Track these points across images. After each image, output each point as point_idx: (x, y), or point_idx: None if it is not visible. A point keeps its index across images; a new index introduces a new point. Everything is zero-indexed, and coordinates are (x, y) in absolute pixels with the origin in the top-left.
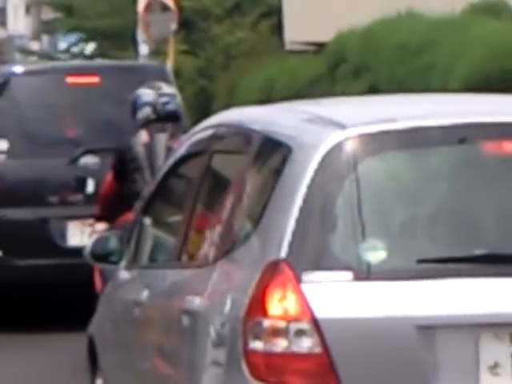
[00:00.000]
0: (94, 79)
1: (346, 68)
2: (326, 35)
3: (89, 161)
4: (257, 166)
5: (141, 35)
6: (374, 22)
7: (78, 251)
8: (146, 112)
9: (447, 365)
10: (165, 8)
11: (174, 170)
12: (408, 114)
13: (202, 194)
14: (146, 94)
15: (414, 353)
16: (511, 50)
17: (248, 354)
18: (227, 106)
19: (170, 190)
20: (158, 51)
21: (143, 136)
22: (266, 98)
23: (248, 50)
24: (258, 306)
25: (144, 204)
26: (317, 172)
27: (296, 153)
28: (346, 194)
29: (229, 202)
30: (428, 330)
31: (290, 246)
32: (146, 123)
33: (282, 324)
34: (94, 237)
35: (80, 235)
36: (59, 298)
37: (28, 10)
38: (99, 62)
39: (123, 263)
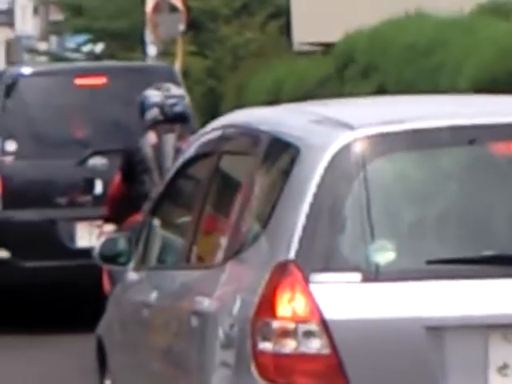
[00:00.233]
0: (102, 80)
1: (355, 68)
2: (334, 36)
3: (97, 162)
4: (265, 166)
5: (149, 36)
6: (382, 22)
7: (86, 252)
8: (153, 113)
9: (456, 366)
10: (173, 9)
11: (182, 171)
12: (416, 115)
13: (211, 195)
14: (154, 95)
15: (422, 354)
16: None
17: (257, 354)
18: (235, 106)
19: (179, 191)
20: (166, 52)
21: (151, 137)
22: (274, 99)
23: (256, 51)
24: (266, 307)
25: (152, 205)
26: (325, 173)
27: (304, 154)
28: (355, 195)
29: (237, 202)
30: (437, 330)
31: (299, 246)
32: (154, 124)
33: (290, 325)
34: (103, 238)
35: (88, 236)
36: (68, 300)
37: (36, 10)
38: (107, 63)
39: (132, 264)
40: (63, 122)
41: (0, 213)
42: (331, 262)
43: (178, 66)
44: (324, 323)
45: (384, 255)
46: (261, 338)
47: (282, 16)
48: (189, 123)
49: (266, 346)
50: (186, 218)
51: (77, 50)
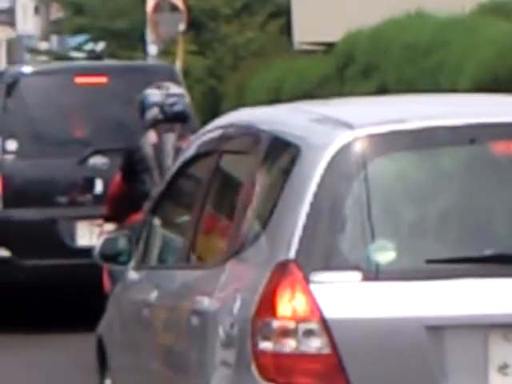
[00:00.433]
0: (103, 79)
1: (355, 68)
2: (334, 35)
3: (98, 161)
4: (266, 166)
5: (150, 35)
6: (383, 22)
7: (86, 251)
8: (153, 112)
9: (456, 365)
10: (174, 8)
11: (182, 171)
12: (417, 115)
13: (211, 195)
14: (154, 94)
15: (422, 353)
16: None
17: (257, 354)
18: (236, 106)
19: (179, 190)
20: (166, 51)
21: (151, 136)
22: (274, 98)
23: (257, 50)
24: (267, 306)
25: (153, 204)
26: (325, 172)
27: (305, 153)
28: (355, 194)
29: (238, 202)
30: (437, 330)
31: (299, 246)
32: (154, 123)
33: (291, 324)
34: (103, 237)
35: (89, 235)
36: (68, 299)
37: (37, 10)
38: (108, 62)
39: (132, 264)
40: (64, 121)
41: (1, 212)
42: (331, 262)
43: (178, 65)
44: (324, 322)
45: (384, 254)
46: (261, 338)
47: (283, 15)
48: (189, 122)
49: (266, 345)
50: (186, 218)
51: (78, 48)
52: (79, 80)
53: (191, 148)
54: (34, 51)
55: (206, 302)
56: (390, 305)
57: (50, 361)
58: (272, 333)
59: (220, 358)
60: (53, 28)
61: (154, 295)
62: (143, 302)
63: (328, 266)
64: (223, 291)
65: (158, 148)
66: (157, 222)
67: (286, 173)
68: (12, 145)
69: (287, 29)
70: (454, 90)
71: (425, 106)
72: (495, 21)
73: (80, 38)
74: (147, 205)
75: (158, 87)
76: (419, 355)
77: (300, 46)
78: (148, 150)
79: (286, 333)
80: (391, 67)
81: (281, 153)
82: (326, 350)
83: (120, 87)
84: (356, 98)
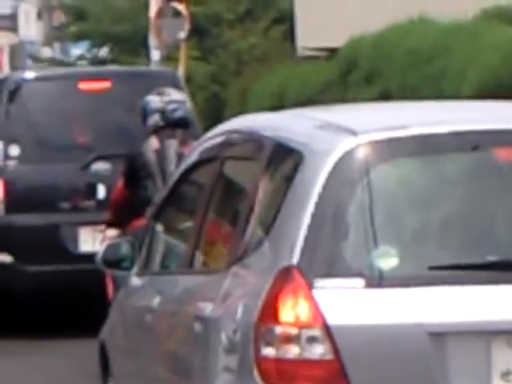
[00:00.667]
0: (106, 85)
1: (358, 74)
2: (337, 41)
3: (100, 167)
4: (269, 172)
5: (152, 41)
6: (386, 27)
7: (89, 257)
8: (154, 119)
9: (459, 372)
10: (177, 14)
11: (185, 177)
12: (420, 121)
13: (214, 201)
14: (154, 100)
15: (425, 360)
16: None
17: (260, 360)
18: (239, 111)
19: (182, 196)
20: (169, 57)
21: (154, 142)
22: (277, 104)
23: (260, 56)
24: (269, 312)
25: (156, 210)
26: (328, 178)
27: (308, 159)
28: (358, 200)
29: (241, 208)
30: (439, 336)
31: (302, 252)
32: (156, 130)
33: (293, 330)
34: (106, 243)
35: (91, 241)
36: (71, 304)
37: (39, 15)
38: (111, 67)
39: (135, 269)
40: (66, 127)
41: (3, 217)
42: (334, 268)
43: (181, 70)
44: (327, 329)
45: (387, 261)
46: (264, 344)
47: (286, 21)
48: (191, 128)
49: (269, 351)
50: (189, 224)
51: (81, 57)
52: (82, 85)
53: (194, 154)
54: (37, 59)
55: (208, 308)
56: (393, 311)
57: (53, 366)
58: (275, 339)
59: (223, 364)
60: (55, 34)
61: (156, 301)
62: (146, 307)
63: (331, 273)
64: (226, 297)
65: (161, 154)
66: (159, 227)
67: (289, 179)
68: (15, 150)
69: (290, 34)
70: (457, 95)
71: (428, 112)
72: (498, 26)
73: (82, 44)
74: (150, 211)
75: (159, 93)
76: (422, 362)
77: (303, 52)
78: (150, 156)
79: (288, 339)
80: (394, 73)
81: (284, 159)
82: (329, 357)
83: (123, 93)
84: (359, 104)
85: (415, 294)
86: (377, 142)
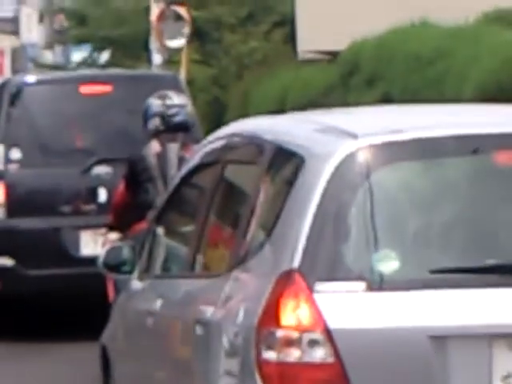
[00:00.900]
0: (107, 88)
1: (360, 77)
2: (339, 44)
3: (101, 170)
4: (270, 176)
5: (154, 44)
6: (388, 31)
7: (90, 261)
8: (154, 123)
9: (460, 375)
10: (178, 17)
11: (186, 180)
12: (420, 125)
13: (215, 204)
14: (156, 104)
15: (426, 363)
16: None
17: (261, 364)
18: (240, 115)
19: (183, 199)
20: (170, 60)
21: (155, 146)
22: (279, 108)
23: (261, 60)
24: (271, 315)
25: (157, 214)
26: (329, 182)
27: (308, 163)
28: (359, 204)
29: (241, 211)
30: (441, 340)
31: (303, 255)
32: (157, 133)
33: (295, 334)
34: (107, 247)
35: (93, 245)
36: (72, 308)
37: (41, 19)
38: (112, 71)
39: (136, 273)
40: (68, 131)
41: (4, 221)
42: (335, 271)
43: (182, 74)
44: (328, 332)
45: (388, 264)
46: (265, 347)
47: (287, 24)
48: (191, 132)
49: (270, 354)
50: (190, 227)
51: (82, 63)
52: (83, 89)
53: (195, 158)
54: (38, 64)
55: (209, 312)
56: (394, 315)
57: (54, 370)
58: (276, 342)
59: (224, 368)
60: (57, 37)
61: (157, 304)
62: (147, 311)
63: (332, 276)
64: (227, 301)
65: (162, 157)
66: (160, 231)
67: (290, 183)
68: (16, 154)
69: (291, 38)
70: (458, 99)
71: (429, 116)
72: (499, 30)
73: (84, 48)
74: (151, 214)
75: (161, 97)
76: (423, 365)
77: (304, 55)
78: (151, 160)
79: (289, 342)
80: (396, 76)
81: (285, 163)
82: (330, 360)
83: (124, 96)
84: (360, 108)
85: (416, 297)
86: (378, 146)
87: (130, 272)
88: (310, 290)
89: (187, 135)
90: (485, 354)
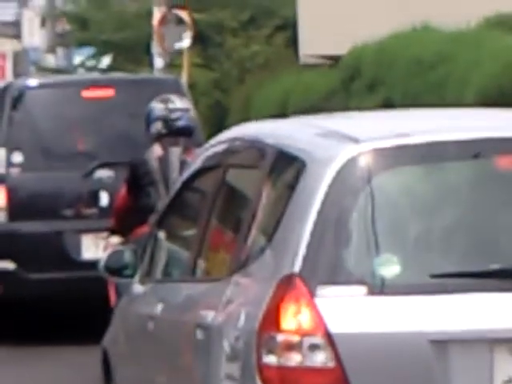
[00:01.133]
0: (109, 92)
1: (361, 82)
2: (340, 49)
3: (103, 174)
4: (271, 180)
5: (156, 48)
6: (389, 36)
7: (92, 264)
8: (157, 127)
9: (461, 380)
10: (180, 21)
11: (188, 184)
12: (422, 129)
13: (217, 208)
14: (158, 108)
15: (427, 368)
16: None
17: (262, 368)
18: (242, 119)
19: (185, 203)
20: (172, 64)
21: (157, 149)
22: (280, 112)
23: (263, 64)
24: (271, 320)
25: (158, 218)
26: (331, 186)
27: (310, 167)
28: (360, 208)
29: (243, 216)
30: (442, 344)
31: (304, 260)
32: (159, 137)
33: (295, 338)
34: (109, 250)
35: (94, 248)
36: (73, 312)
37: (43, 23)
38: (114, 75)
39: (137, 277)
40: (70, 134)
41: (6, 224)
42: (336, 276)
43: (184, 78)
44: (329, 336)
45: (389, 269)
46: (266, 352)
47: (289, 29)
48: (193, 136)
49: (270, 359)
50: (191, 231)
51: (82, 65)
52: (85, 93)
53: (197, 162)
54: (40, 68)
55: (210, 316)
56: (395, 319)
57: (55, 374)
58: (277, 347)
59: (225, 372)
60: (59, 41)
61: (159, 308)
62: (148, 315)
63: (333, 280)
64: (228, 305)
65: (164, 161)
66: (162, 235)
67: (292, 187)
68: (18, 158)
69: (293, 42)
70: (459, 103)
71: (430, 121)
72: (501, 35)
73: (86, 51)
74: (153, 218)
75: (163, 100)
76: (424, 370)
77: (306, 60)
78: (153, 164)
79: (290, 347)
80: (397, 81)
81: (286, 167)
82: (331, 364)
83: (126, 100)
84: (361, 112)
85: (417, 301)
86: (379, 150)
87: (132, 276)
88: (311, 294)
89: (189, 139)
90: (486, 358)
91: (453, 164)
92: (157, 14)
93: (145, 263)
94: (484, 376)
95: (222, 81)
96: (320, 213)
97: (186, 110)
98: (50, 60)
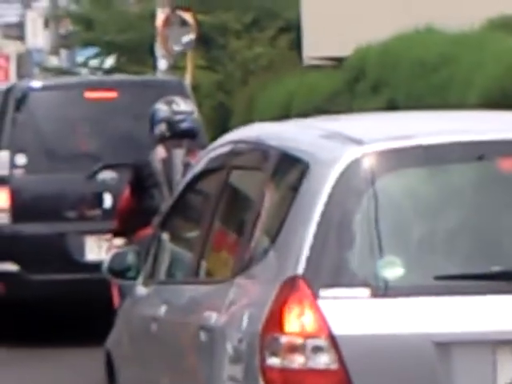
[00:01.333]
0: (113, 94)
1: (365, 83)
2: (344, 50)
3: (107, 176)
4: (274, 182)
5: (159, 50)
6: (393, 37)
7: (95, 266)
8: (161, 128)
9: (464, 381)
10: (183, 23)
11: (191, 186)
12: (426, 131)
13: (220, 210)
14: (162, 109)
15: (431, 369)
16: None
17: (265, 370)
18: (245, 120)
19: (188, 205)
20: (176, 66)
21: (160, 151)
22: (284, 113)
23: (266, 65)
24: (275, 322)
25: (162, 219)
26: (334, 188)
27: (313, 169)
28: (364, 210)
29: (246, 218)
30: (445, 346)
31: (308, 262)
32: (162, 139)
33: (299, 340)
34: (112, 252)
35: (97, 250)
36: (76, 313)
37: (47, 24)
38: (117, 76)
39: (141, 279)
40: (73, 136)
41: (9, 226)
42: (340, 278)
43: (188, 80)
44: (332, 338)
45: (393, 271)
46: (269, 354)
47: (293, 30)
48: (197, 138)
49: (274, 361)
50: (195, 233)
51: (85, 64)
52: (88, 95)
53: (200, 163)
54: (44, 68)
55: (214, 318)
56: (399, 321)
57: (58, 376)
58: (280, 349)
59: (228, 374)
60: (62, 42)
61: (162, 310)
62: (151, 317)
63: (336, 282)
64: (231, 307)
65: (167, 163)
66: (165, 237)
67: (295, 189)
68: (21, 159)
69: (297, 44)
70: (462, 105)
71: (434, 122)
72: (504, 37)
73: (90, 52)
74: (156, 220)
75: (167, 102)
76: (427, 371)
77: (310, 61)
78: (157, 165)
79: (293, 349)
80: (401, 83)
81: (290, 169)
82: (334, 366)
83: (129, 102)
84: (365, 114)
85: (421, 303)
86: (383, 152)
87: (135, 278)
88: (314, 296)
89: (193, 141)
90: (489, 360)
91: (456, 166)
92: (160, 16)
93: (148, 265)
94: (487, 378)
95: (225, 83)
96: (323, 215)
97: (189, 112)
98: (54, 62)
